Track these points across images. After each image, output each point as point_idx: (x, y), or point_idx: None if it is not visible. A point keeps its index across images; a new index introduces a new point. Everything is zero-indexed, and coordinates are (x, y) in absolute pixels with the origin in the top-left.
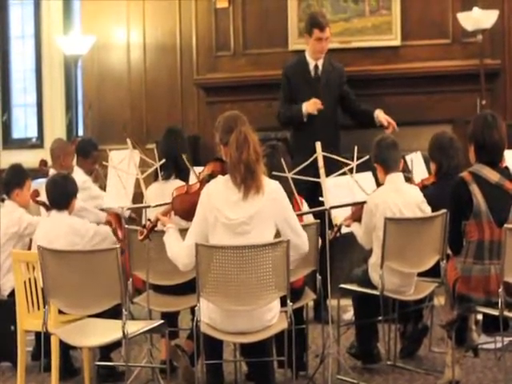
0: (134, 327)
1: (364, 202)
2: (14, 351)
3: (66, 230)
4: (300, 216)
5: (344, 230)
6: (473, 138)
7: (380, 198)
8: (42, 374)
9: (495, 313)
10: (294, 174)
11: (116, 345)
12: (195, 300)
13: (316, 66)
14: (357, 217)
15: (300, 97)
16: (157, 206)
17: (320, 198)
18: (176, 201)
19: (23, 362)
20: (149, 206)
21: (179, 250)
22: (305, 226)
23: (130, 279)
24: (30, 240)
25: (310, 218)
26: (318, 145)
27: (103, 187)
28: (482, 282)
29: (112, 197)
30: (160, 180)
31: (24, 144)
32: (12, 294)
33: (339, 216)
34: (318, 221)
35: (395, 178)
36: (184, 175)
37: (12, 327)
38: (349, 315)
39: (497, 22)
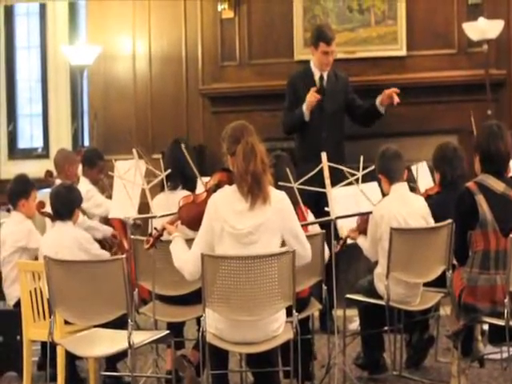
0: (140, 337)
1: (369, 213)
2: (20, 361)
3: (71, 242)
4: (305, 226)
5: (349, 241)
6: (478, 148)
7: (385, 208)
8: None
9: (501, 323)
10: (300, 183)
11: (122, 355)
12: (201, 310)
13: (321, 77)
14: (362, 229)
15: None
16: (163, 216)
17: (326, 209)
18: (183, 210)
19: (29, 371)
20: (155, 216)
21: (185, 258)
22: (311, 236)
23: (136, 289)
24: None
25: (315, 228)
26: (324, 155)
27: (110, 198)
28: (487, 291)
29: (118, 207)
30: (166, 190)
31: (30, 154)
32: (18, 303)
33: (345, 227)
34: (324, 231)
35: (400, 188)
36: (191, 186)
37: (18, 337)
38: (354, 325)
39: (502, 32)
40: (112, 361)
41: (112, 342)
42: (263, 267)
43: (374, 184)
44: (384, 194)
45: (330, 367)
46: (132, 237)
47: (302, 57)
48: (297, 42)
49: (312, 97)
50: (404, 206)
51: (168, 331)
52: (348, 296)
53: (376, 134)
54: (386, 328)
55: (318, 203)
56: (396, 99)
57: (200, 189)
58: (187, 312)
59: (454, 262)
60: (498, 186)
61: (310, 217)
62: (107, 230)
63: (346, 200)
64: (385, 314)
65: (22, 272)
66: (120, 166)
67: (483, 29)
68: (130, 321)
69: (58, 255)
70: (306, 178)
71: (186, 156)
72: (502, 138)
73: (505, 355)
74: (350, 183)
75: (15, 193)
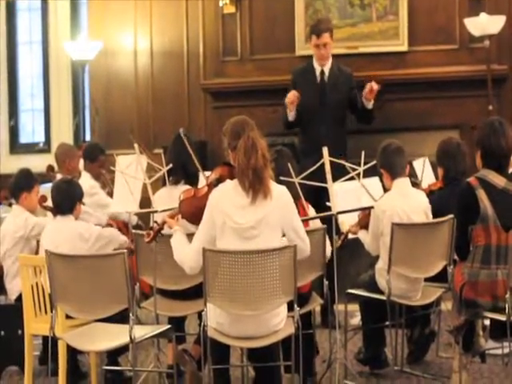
0: (141, 332)
1: (371, 207)
2: (21, 355)
3: (71, 235)
4: (306, 221)
5: (351, 236)
6: (480, 143)
7: (387, 204)
8: (50, 379)
9: (502, 318)
10: (301, 178)
11: (123, 349)
12: (202, 305)
13: (322, 72)
14: (363, 223)
15: (305, 102)
16: (164, 210)
17: (327, 203)
18: (183, 204)
19: (30, 366)
20: (156, 211)
21: (186, 252)
22: (311, 231)
23: (138, 284)
24: (38, 244)
25: (316, 223)
26: (325, 150)
27: (111, 193)
28: (489, 286)
29: (119, 202)
30: (168, 185)
31: (31, 149)
32: (19, 298)
33: (346, 221)
34: (325, 226)
35: (402, 184)
36: (193, 181)
37: (19, 331)
38: (356, 320)
39: (504, 28)
40: (113, 355)
41: (113, 336)
42: (265, 262)
43: (376, 179)
44: (385, 189)
45: (332, 362)
46: (134, 231)
47: (304, 52)
48: (298, 38)
49: (291, 94)
50: (406, 201)
51: (169, 325)
52: (349, 291)
53: (378, 129)
54: (387, 323)
55: (318, 198)
56: (374, 86)
57: (202, 184)
58: (188, 306)
59: (455, 257)
60: (498, 181)
61: (311, 212)
62: (102, 218)
63: (348, 195)
64: (386, 309)
65: (23, 266)
66: (121, 161)
67: (485, 24)
68: (131, 315)
69: (58, 249)
70: (307, 172)
71: (188, 148)
72: (503, 134)
73: (506, 350)
74: (352, 178)
75: (18, 186)
